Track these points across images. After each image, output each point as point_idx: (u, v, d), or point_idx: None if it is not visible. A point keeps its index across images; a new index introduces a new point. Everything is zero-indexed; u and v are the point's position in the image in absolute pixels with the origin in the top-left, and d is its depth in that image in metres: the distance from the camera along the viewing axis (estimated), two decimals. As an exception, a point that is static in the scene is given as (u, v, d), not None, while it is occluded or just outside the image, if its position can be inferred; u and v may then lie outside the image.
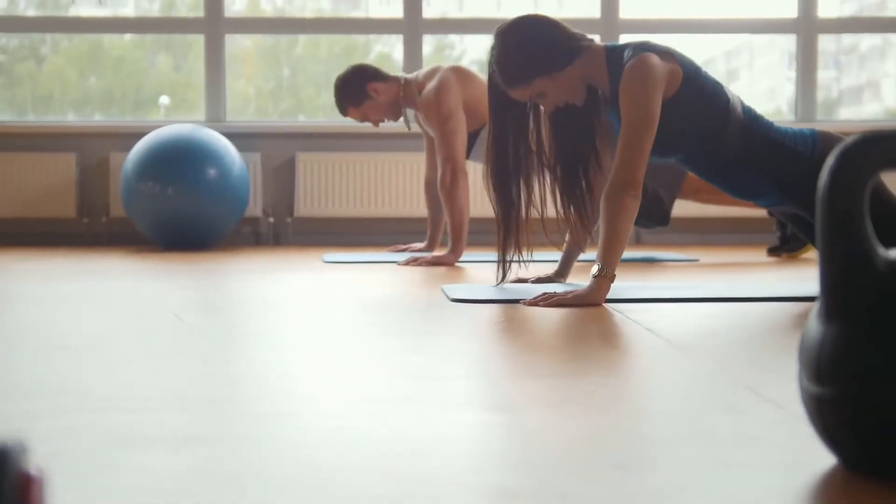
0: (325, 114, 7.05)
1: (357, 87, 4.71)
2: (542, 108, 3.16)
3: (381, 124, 4.90)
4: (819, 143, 3.03)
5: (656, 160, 3.12)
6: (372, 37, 7.02)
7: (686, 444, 1.38)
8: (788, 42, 6.29)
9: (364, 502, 1.12)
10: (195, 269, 4.24)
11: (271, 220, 6.06)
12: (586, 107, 3.15)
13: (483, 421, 1.50)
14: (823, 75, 11.39)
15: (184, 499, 1.13)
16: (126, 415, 1.53)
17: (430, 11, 7.51)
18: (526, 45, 3.06)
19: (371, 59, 7.50)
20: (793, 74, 6.34)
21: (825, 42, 10.96)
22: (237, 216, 5.54)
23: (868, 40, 11.43)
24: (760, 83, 9.24)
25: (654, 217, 4.67)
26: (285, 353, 2.19)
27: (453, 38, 7.82)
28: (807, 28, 6.17)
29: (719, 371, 1.91)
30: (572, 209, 3.21)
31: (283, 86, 7.83)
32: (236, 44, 7.45)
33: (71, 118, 6.83)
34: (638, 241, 6.01)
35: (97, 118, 6.91)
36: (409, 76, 4.78)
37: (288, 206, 6.06)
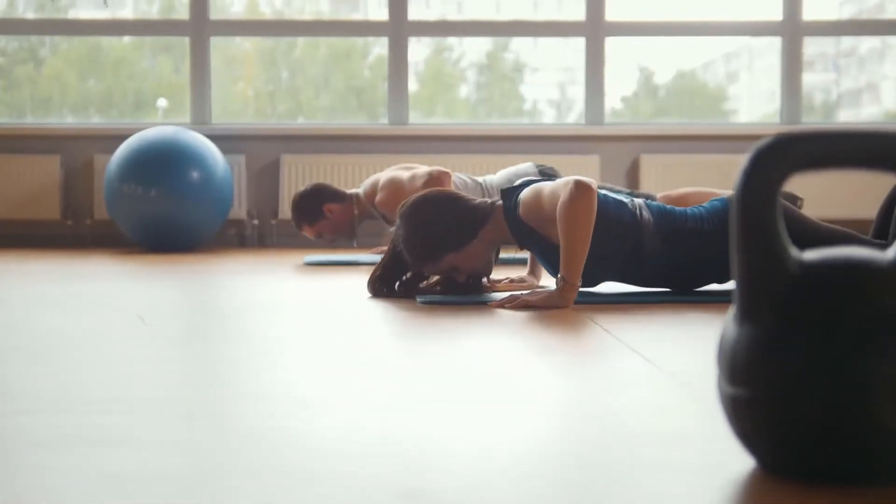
0: (323, 115, 7.06)
1: (314, 207, 4.80)
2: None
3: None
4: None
5: (590, 288, 3.11)
6: (371, 39, 7.02)
7: (613, 445, 1.38)
8: (788, 45, 6.26)
9: (267, 501, 1.13)
10: (174, 271, 4.24)
11: (256, 221, 6.06)
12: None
13: (411, 422, 1.51)
14: (823, 78, 11.37)
15: (98, 500, 1.13)
16: (54, 416, 1.54)
17: (429, 14, 7.51)
18: (430, 225, 3.05)
19: (369, 62, 7.51)
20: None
21: (825, 45, 10.94)
22: (221, 218, 5.54)
23: (867, 43, 11.41)
24: (760, 85, 9.24)
25: None
26: (231, 355, 2.20)
27: (452, 40, 7.82)
28: (792, 31, 6.17)
29: (660, 371, 1.91)
30: None
31: (282, 88, 7.83)
32: (235, 46, 7.46)
33: (69, 120, 6.84)
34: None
35: (77, 120, 6.90)
36: (360, 191, 4.82)
37: (272, 208, 6.06)
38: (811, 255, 1.25)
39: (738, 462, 1.27)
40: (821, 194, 5.58)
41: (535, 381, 1.87)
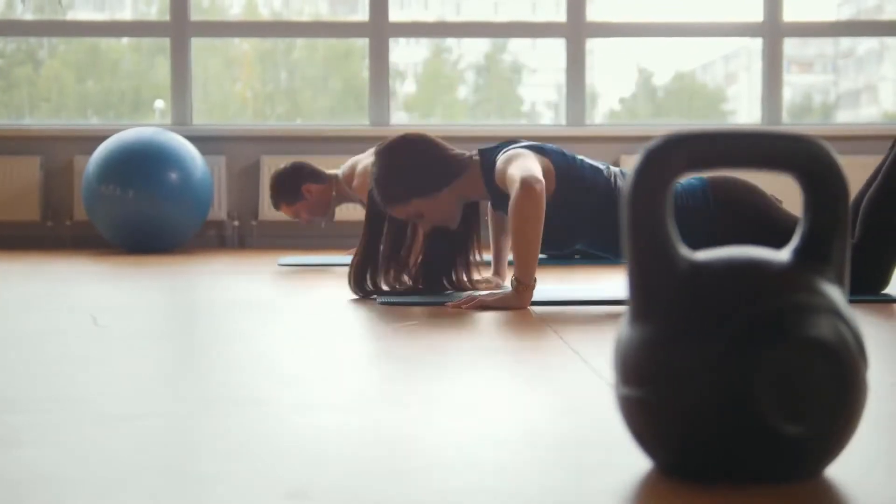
0: (321, 116, 7.06)
1: (292, 187, 4.80)
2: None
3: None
4: (710, 191, 3.03)
5: (561, 253, 3.14)
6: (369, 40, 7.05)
7: (517, 446, 1.38)
8: (788, 46, 6.26)
9: (153, 502, 1.13)
10: (151, 273, 4.24)
11: (236, 223, 6.06)
12: (462, 225, 3.18)
13: (320, 422, 1.50)
14: (821, 79, 11.38)
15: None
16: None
17: (427, 15, 7.51)
18: (404, 166, 3.08)
19: (367, 63, 7.51)
20: (791, 78, 6.32)
21: (824, 46, 10.95)
22: (200, 220, 5.54)
23: (865, 44, 11.42)
24: (759, 86, 9.25)
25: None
26: (177, 356, 2.20)
27: (451, 41, 7.82)
28: (772, 32, 6.16)
29: (596, 372, 1.91)
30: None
31: (280, 89, 7.84)
32: (234, 47, 7.46)
33: (56, 120, 6.85)
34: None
35: (57, 121, 6.91)
36: (339, 172, 4.82)
37: (252, 210, 6.07)
38: (702, 254, 1.24)
39: (634, 462, 1.27)
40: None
41: (467, 383, 1.86)
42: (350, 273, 3.18)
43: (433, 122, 7.06)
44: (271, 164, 6.00)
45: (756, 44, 8.28)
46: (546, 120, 8.26)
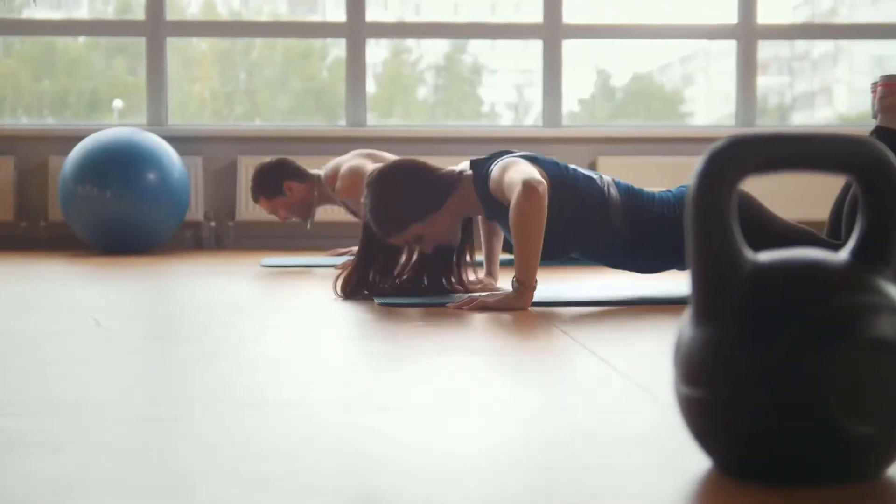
0: (281, 117, 7.03)
1: (274, 182, 4.76)
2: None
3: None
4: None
5: (554, 262, 3.16)
6: (329, 41, 7.01)
7: (570, 446, 1.38)
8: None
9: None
10: (129, 274, 4.21)
11: (213, 223, 6.02)
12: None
13: (366, 425, 1.50)
14: (777, 81, 11.51)
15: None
16: (4, 420, 1.52)
17: (387, 15, 7.49)
18: (396, 194, 3.07)
19: (327, 63, 7.50)
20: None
21: (779, 48, 11.07)
22: (177, 220, 5.50)
23: (820, 47, 11.56)
24: (716, 88, 9.34)
25: None
26: (185, 357, 2.18)
27: (410, 42, 7.81)
28: (746, 34, 6.22)
29: (618, 372, 1.92)
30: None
31: (239, 89, 7.79)
32: (192, 47, 7.40)
33: (23, 120, 6.77)
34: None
35: (31, 121, 6.83)
36: (322, 173, 4.79)
37: (229, 210, 6.03)
38: (765, 256, 1.25)
39: (695, 463, 1.28)
40: (774, 195, 5.62)
41: (492, 384, 1.87)
42: (339, 281, 3.19)
43: (393, 123, 7.06)
44: (248, 165, 5.96)
45: (714, 46, 8.36)
46: (505, 121, 8.28)
